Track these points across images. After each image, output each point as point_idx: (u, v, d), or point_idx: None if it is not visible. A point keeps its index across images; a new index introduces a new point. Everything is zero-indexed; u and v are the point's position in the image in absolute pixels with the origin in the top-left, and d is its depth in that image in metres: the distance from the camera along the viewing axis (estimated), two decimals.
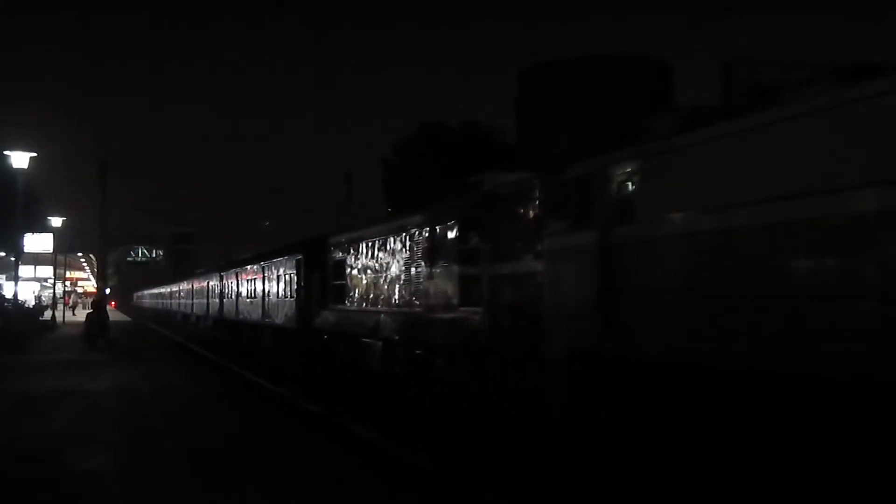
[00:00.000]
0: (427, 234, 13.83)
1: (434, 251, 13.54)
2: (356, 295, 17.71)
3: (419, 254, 14.23)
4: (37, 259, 53.49)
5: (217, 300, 39.27)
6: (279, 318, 25.68)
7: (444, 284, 13.07)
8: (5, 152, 28.91)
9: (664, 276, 8.08)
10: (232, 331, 34.71)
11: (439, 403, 12.73)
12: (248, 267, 32.14)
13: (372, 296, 16.69)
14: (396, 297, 15.36)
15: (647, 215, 8.39)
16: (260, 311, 28.71)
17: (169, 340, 35.69)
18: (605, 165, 9.06)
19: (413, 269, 14.52)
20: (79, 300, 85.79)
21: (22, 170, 28.89)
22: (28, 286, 60.14)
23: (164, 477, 8.20)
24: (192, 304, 49.94)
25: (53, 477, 8.20)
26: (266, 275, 28.08)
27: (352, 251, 18.25)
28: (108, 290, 77.58)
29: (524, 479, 8.25)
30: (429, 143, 46.85)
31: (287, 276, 24.59)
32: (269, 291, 27.49)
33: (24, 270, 47.47)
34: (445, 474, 8.08)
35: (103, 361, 22.01)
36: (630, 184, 8.69)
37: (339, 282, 19.09)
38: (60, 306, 55.87)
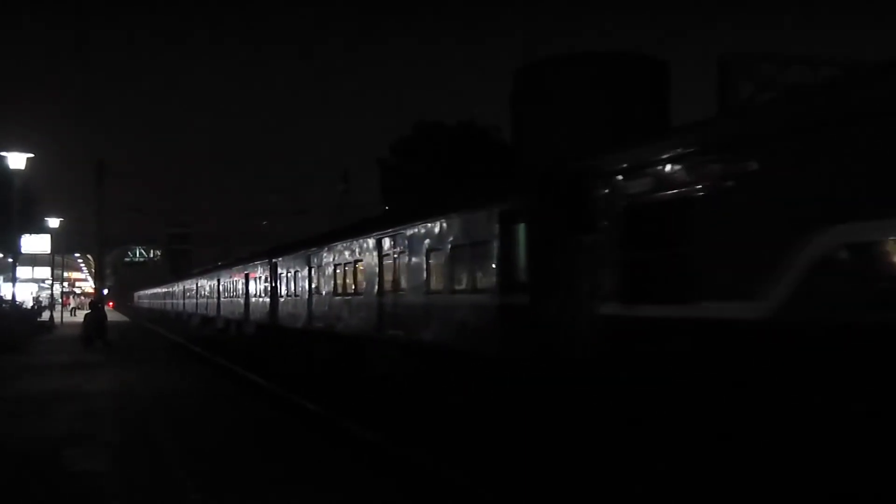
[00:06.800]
0: None
1: None
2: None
3: None
4: (34, 260, 53.26)
5: (265, 299, 28.06)
6: (437, 333, 13.52)
7: None
8: (2, 153, 28.55)
9: None
10: (295, 343, 23.67)
11: None
12: (340, 245, 19.90)
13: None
14: None
15: None
16: (370, 316, 16.97)
17: (183, 348, 30.08)
18: None
19: None
20: (78, 304, 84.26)
21: (19, 171, 28.77)
22: (26, 287, 59.99)
23: (162, 477, 8.12)
24: (219, 305, 38.73)
25: (53, 477, 8.07)
26: (387, 253, 16.25)
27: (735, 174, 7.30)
28: (105, 291, 77.53)
29: None
30: (425, 143, 47.04)
31: (457, 251, 13.00)
32: (398, 281, 15.57)
33: (22, 272, 47.24)
34: None
35: (102, 363, 21.34)
36: None
37: (669, 251, 8.13)
38: (58, 307, 55.86)
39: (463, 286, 12.84)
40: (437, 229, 13.96)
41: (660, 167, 8.46)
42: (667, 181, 8.34)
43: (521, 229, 10.91)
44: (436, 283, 13.92)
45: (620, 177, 9.06)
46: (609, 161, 9.39)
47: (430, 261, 14.10)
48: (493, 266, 11.64)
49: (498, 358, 11.21)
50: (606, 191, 9.23)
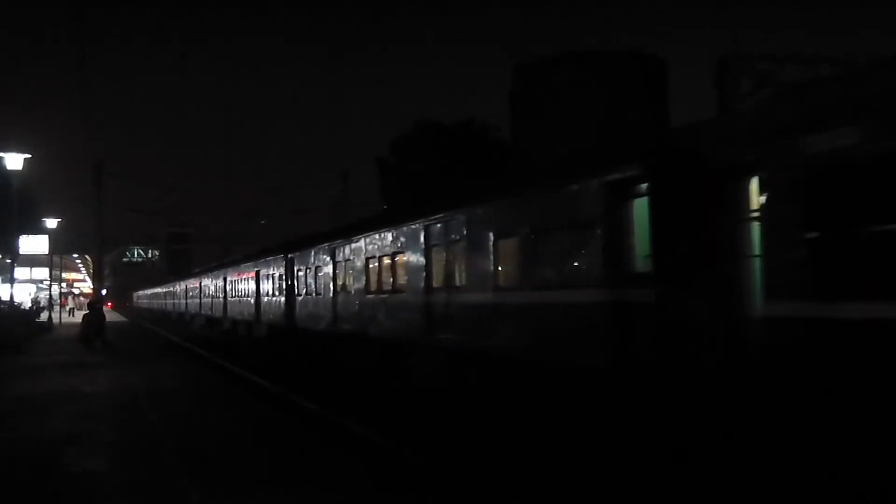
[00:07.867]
0: None
1: None
2: None
3: None
4: (33, 261, 53.30)
5: (279, 299, 25.70)
6: (509, 338, 11.27)
7: None
8: (0, 154, 28.96)
9: None
10: (316, 347, 21.17)
11: None
12: (374, 235, 16.90)
13: None
14: None
15: None
16: (414, 318, 14.43)
17: (185, 350, 28.68)
18: None
19: None
20: (76, 305, 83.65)
21: (17, 171, 28.79)
22: (24, 288, 60.00)
23: (162, 477, 8.13)
24: (226, 305, 37.55)
25: (54, 477, 8.07)
26: (437, 243, 13.75)
27: None
28: (104, 292, 77.44)
29: None
30: (425, 141, 47.03)
31: (540, 236, 10.63)
32: (453, 276, 13.24)
33: (20, 272, 47.24)
34: None
35: (101, 363, 21.16)
36: None
37: None
38: (57, 308, 55.82)
39: (549, 280, 10.25)
40: (507, 211, 11.41)
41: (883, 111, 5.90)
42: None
43: (641, 205, 8.49)
44: (507, 278, 11.38)
45: (804, 131, 6.47)
46: (784, 110, 6.89)
47: (499, 250, 11.53)
48: (598, 253, 9.21)
49: (606, 369, 8.84)
50: (779, 151, 6.74)
